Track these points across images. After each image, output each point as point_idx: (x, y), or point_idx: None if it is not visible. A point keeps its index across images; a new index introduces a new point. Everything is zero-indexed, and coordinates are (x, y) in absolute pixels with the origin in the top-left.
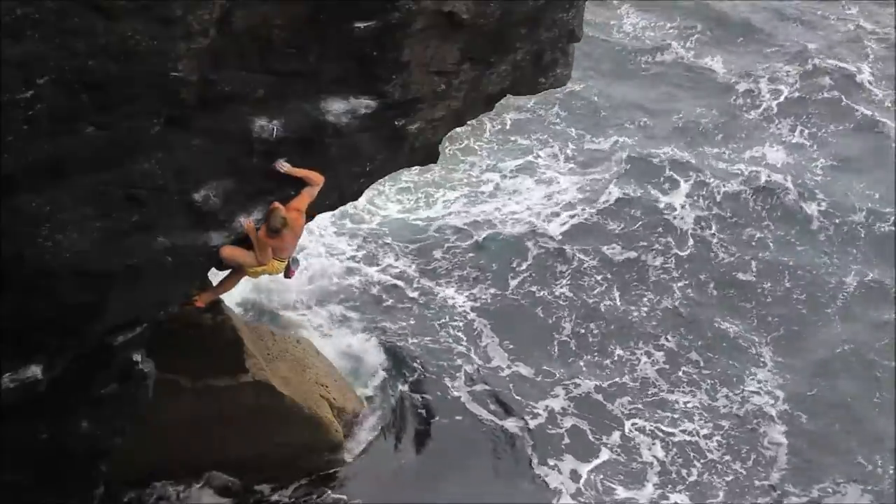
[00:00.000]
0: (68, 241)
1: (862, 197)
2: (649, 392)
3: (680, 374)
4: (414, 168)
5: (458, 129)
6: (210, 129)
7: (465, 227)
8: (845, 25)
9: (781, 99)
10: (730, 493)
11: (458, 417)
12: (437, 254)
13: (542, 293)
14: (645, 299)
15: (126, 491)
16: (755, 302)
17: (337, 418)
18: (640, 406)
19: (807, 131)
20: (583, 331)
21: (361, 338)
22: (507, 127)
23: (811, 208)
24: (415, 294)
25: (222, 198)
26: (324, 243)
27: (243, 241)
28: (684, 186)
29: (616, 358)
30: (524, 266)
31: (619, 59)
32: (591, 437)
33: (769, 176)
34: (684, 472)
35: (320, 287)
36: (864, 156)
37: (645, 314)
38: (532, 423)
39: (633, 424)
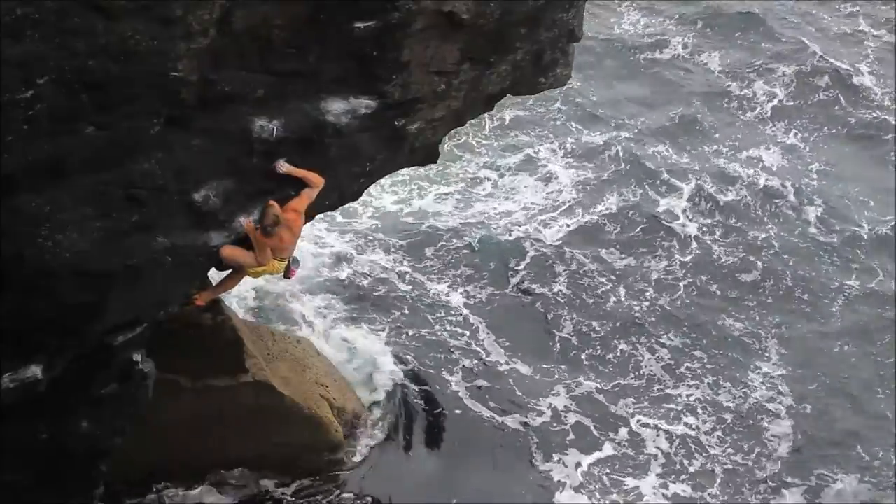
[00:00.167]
0: (68, 241)
1: (862, 197)
2: (652, 388)
3: (683, 370)
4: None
5: None
6: (210, 129)
7: (460, 225)
8: (845, 25)
9: (780, 99)
10: (730, 483)
11: (457, 412)
12: (429, 252)
13: (540, 292)
14: (646, 298)
15: (126, 491)
16: (757, 301)
17: (337, 418)
18: (643, 402)
19: (806, 132)
20: (584, 329)
21: (353, 331)
22: (506, 123)
23: (810, 211)
24: (407, 288)
25: (222, 198)
26: (313, 235)
27: (243, 241)
28: (683, 188)
29: (619, 354)
30: (521, 266)
31: (618, 57)
32: (594, 432)
33: (768, 179)
34: (686, 462)
35: (308, 279)
36: (863, 157)
37: (646, 312)
38: (533, 417)
39: (637, 421)
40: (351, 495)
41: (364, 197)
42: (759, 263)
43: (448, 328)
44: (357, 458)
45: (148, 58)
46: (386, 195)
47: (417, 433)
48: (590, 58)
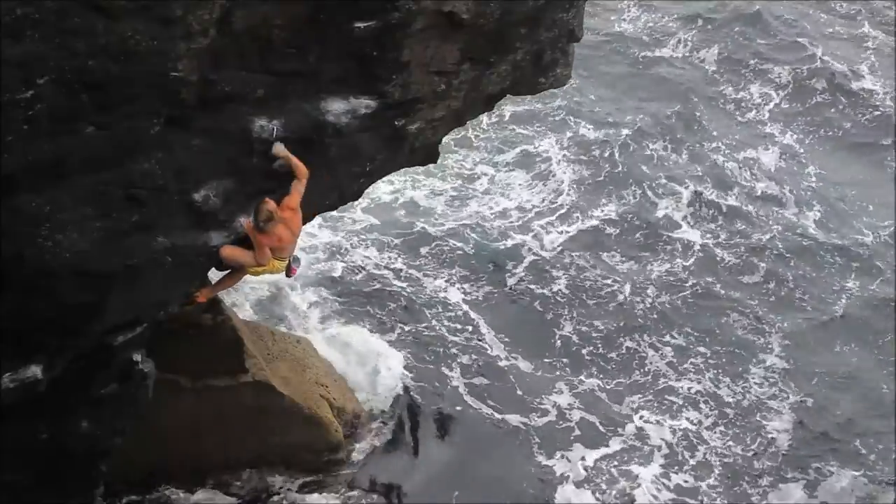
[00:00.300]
0: (68, 241)
1: (861, 200)
2: (655, 384)
3: (686, 366)
4: None
5: None
6: (210, 129)
7: (457, 226)
8: (846, 26)
9: (778, 100)
10: (729, 475)
11: (458, 409)
12: (424, 250)
13: (539, 292)
14: (648, 296)
15: (126, 491)
16: (759, 301)
17: (337, 418)
18: (647, 397)
19: (805, 133)
20: (585, 328)
21: (351, 329)
22: (505, 118)
23: (809, 212)
24: (403, 285)
25: (222, 198)
26: (306, 231)
27: (243, 241)
28: (682, 189)
29: (622, 351)
30: (519, 268)
31: (617, 55)
32: (598, 427)
33: (767, 180)
34: (687, 454)
35: (303, 276)
36: (863, 158)
37: (648, 310)
38: (535, 414)
39: (640, 416)
40: (351, 495)
41: None
42: (762, 265)
43: (447, 324)
44: (357, 458)
45: (148, 58)
46: (382, 184)
47: (418, 431)
48: (588, 54)
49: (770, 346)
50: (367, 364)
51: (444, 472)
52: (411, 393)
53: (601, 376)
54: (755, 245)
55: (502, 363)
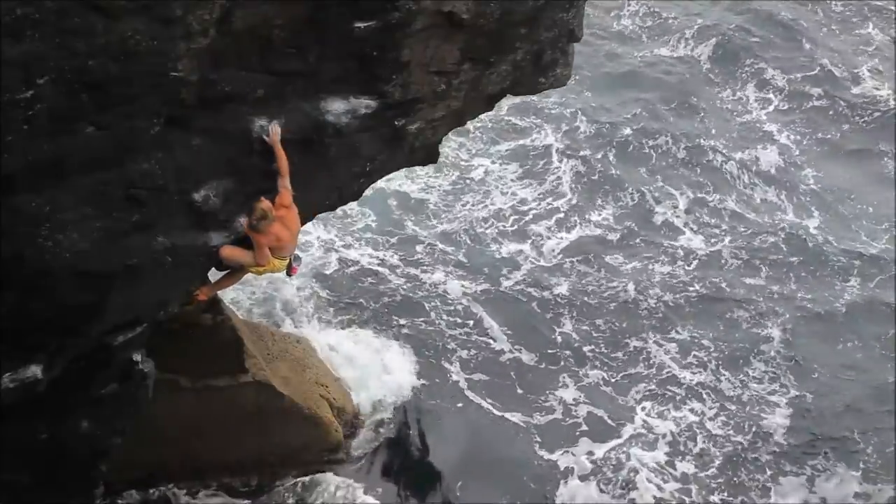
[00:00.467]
0: (68, 241)
1: (861, 203)
2: (657, 377)
3: (691, 359)
4: None
5: None
6: (210, 129)
7: (454, 226)
8: (847, 26)
9: (778, 101)
10: (729, 471)
11: (459, 405)
12: (420, 248)
13: (539, 294)
14: (653, 294)
15: (126, 491)
16: (759, 300)
17: (337, 418)
18: (652, 387)
19: (803, 135)
20: (585, 327)
21: (350, 327)
22: (503, 111)
23: (808, 214)
24: (400, 280)
25: (222, 198)
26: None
27: (243, 241)
28: (681, 190)
29: (628, 347)
30: (519, 266)
31: (617, 53)
32: (604, 422)
33: (766, 180)
34: (689, 446)
35: (301, 274)
36: (863, 159)
37: (652, 308)
38: (537, 409)
39: (643, 410)
40: (352, 495)
41: None
42: (763, 265)
43: (446, 318)
44: (357, 458)
45: (148, 58)
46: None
47: (419, 429)
48: (588, 54)
49: (771, 344)
50: (367, 362)
51: (445, 471)
52: (412, 390)
53: (605, 370)
54: (756, 245)
55: (504, 358)
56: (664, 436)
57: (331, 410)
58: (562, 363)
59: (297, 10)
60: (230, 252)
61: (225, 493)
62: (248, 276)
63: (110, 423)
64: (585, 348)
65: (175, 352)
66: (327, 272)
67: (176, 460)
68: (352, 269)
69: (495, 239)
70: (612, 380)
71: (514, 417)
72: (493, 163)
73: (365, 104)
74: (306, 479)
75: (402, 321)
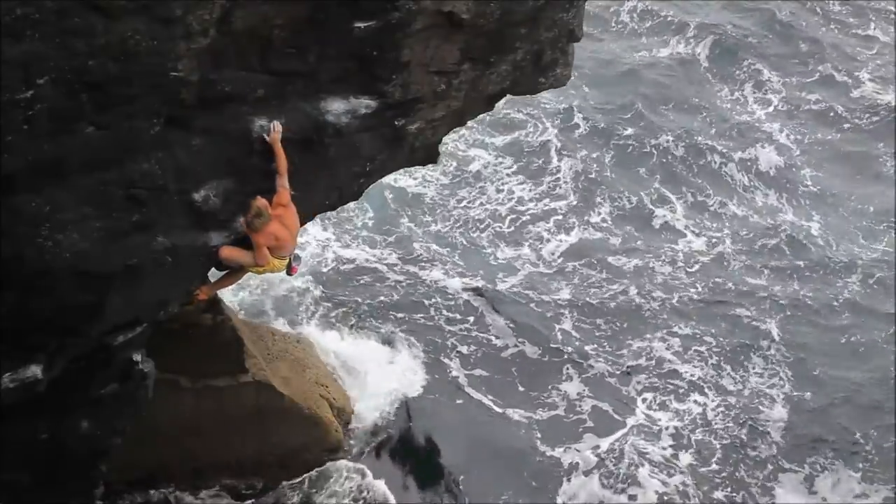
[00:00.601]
0: (68, 241)
1: (861, 204)
2: (659, 373)
3: (690, 354)
4: None
5: None
6: (210, 129)
7: (452, 226)
8: (847, 26)
9: (778, 101)
10: (730, 467)
11: (459, 402)
12: (417, 246)
13: (539, 293)
14: (654, 295)
15: (126, 491)
16: (761, 299)
17: (337, 418)
18: (654, 381)
19: (802, 135)
20: (586, 325)
21: (349, 326)
22: (502, 104)
23: (808, 214)
24: (399, 277)
25: (222, 198)
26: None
27: (243, 241)
28: (680, 190)
29: (630, 344)
30: (515, 264)
31: (614, 51)
32: (605, 416)
33: (766, 180)
34: (692, 438)
35: (300, 273)
36: (863, 159)
37: (657, 307)
38: (538, 405)
39: (643, 401)
40: (352, 494)
41: None
42: (764, 266)
43: (446, 314)
44: (358, 457)
45: (148, 58)
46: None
47: (420, 427)
48: (586, 51)
49: (771, 341)
50: (366, 360)
51: (447, 468)
52: (413, 387)
53: (606, 366)
54: (756, 245)
55: (505, 354)
56: (666, 429)
57: (331, 410)
58: (563, 360)
59: (297, 10)
60: (230, 252)
61: (224, 493)
62: (248, 275)
63: (110, 423)
64: (587, 346)
65: (175, 352)
66: (325, 270)
67: (175, 460)
68: (350, 266)
69: (492, 241)
70: (614, 375)
71: (516, 414)
72: (490, 155)
73: (365, 104)
74: (306, 479)
75: (402, 318)
